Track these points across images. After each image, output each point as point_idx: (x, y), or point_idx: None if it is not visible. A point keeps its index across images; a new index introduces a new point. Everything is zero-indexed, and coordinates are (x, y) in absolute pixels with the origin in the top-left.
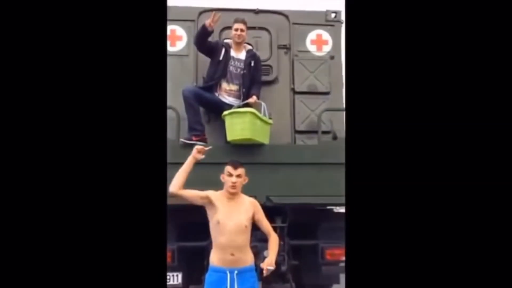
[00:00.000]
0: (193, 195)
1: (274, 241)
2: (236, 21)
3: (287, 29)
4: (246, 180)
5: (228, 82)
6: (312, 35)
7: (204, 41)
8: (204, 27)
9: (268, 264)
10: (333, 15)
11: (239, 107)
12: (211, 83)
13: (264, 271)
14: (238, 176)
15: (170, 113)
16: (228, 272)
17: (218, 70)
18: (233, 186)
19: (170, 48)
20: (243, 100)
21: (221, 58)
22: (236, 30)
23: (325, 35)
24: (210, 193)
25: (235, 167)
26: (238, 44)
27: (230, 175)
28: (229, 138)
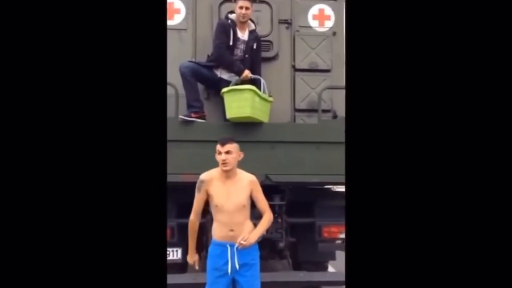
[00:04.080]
0: (198, 203)
1: (266, 219)
2: None
3: (289, 3)
4: (241, 156)
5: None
6: (314, 9)
7: (228, 35)
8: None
9: (244, 238)
10: None
11: (236, 84)
12: (213, 64)
13: (238, 244)
14: (227, 152)
15: (168, 90)
16: (228, 246)
17: (224, 55)
18: (224, 164)
19: (168, 22)
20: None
21: (231, 43)
22: (241, 8)
23: (328, 10)
24: (206, 178)
25: (223, 144)
26: (243, 24)
27: (219, 153)
28: (228, 116)
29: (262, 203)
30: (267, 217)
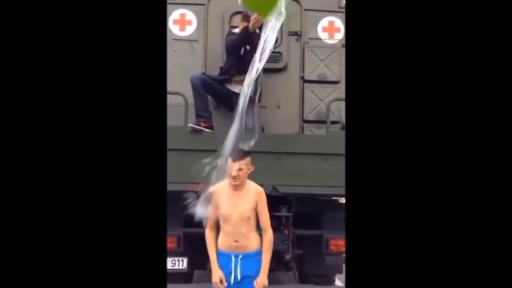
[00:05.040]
0: (211, 216)
1: (267, 245)
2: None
3: (299, 15)
4: (251, 169)
5: (241, 74)
6: (324, 22)
7: (241, 45)
8: (247, 31)
9: (261, 283)
10: (345, 1)
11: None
12: (225, 77)
13: None
14: (240, 170)
15: (178, 99)
16: (233, 257)
17: (236, 65)
18: (234, 179)
19: (179, 33)
20: (253, 89)
21: (242, 53)
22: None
23: (338, 22)
24: (214, 189)
25: (235, 160)
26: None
27: (231, 168)
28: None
29: (264, 218)
30: (268, 241)
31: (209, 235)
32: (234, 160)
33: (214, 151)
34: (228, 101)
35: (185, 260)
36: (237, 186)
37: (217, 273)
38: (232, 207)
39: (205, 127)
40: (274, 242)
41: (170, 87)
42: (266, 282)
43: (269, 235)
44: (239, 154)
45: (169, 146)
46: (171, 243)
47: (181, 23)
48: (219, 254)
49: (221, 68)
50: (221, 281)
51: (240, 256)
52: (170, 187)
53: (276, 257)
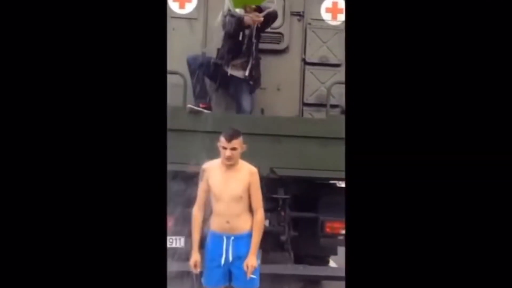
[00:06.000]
0: (201, 194)
1: (257, 226)
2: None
3: None
4: (244, 149)
5: (238, 58)
6: (327, 2)
7: (237, 33)
8: (243, 22)
9: (249, 263)
10: None
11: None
12: (221, 62)
13: (248, 274)
14: (233, 149)
15: (177, 79)
16: (224, 238)
17: (234, 49)
18: (228, 159)
19: (178, 10)
20: (248, 73)
21: (240, 38)
22: (225, 148)
23: (341, 3)
24: (207, 167)
25: (229, 140)
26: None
27: (224, 148)
28: None
29: (256, 198)
30: (258, 222)
31: (196, 214)
32: (227, 140)
33: (213, 133)
34: (225, 84)
35: (182, 239)
36: (230, 166)
37: (194, 256)
38: (224, 186)
39: (204, 107)
40: (271, 223)
41: (168, 66)
42: (255, 263)
43: (259, 216)
44: (233, 133)
45: (167, 126)
46: (168, 222)
47: (180, 0)
48: (210, 235)
49: (218, 50)
50: (195, 265)
51: (232, 238)
52: (169, 167)
53: (272, 238)
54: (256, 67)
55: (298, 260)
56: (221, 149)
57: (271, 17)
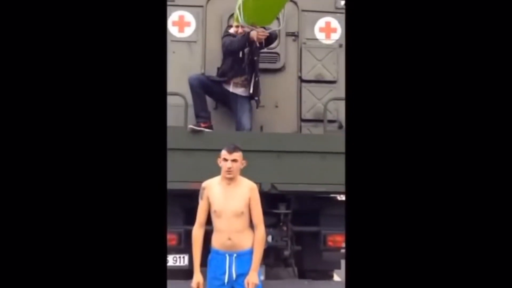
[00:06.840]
0: (201, 212)
1: (258, 242)
2: None
3: (296, 16)
4: (244, 164)
5: (238, 75)
6: (321, 22)
7: (241, 50)
8: (249, 39)
9: (250, 280)
10: (342, 2)
11: None
12: (223, 79)
13: None
14: (234, 161)
15: (178, 100)
16: (227, 255)
17: (234, 67)
18: (229, 172)
19: (178, 34)
20: (252, 90)
21: (240, 55)
22: (226, 160)
23: (334, 23)
24: (207, 184)
25: (230, 152)
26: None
27: (225, 160)
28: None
29: (257, 213)
30: (259, 238)
31: (197, 232)
32: (229, 152)
33: (214, 151)
34: (226, 101)
35: (186, 257)
36: (230, 181)
37: (196, 277)
38: (225, 202)
39: (205, 127)
40: (273, 239)
41: (169, 88)
42: (256, 280)
43: (260, 231)
44: (234, 146)
45: (169, 146)
46: (172, 241)
47: (180, 24)
48: (213, 252)
49: (218, 69)
50: (198, 287)
51: (235, 255)
52: (171, 186)
53: (275, 253)
54: (257, 84)
55: (302, 275)
56: (222, 163)
57: (272, 37)
